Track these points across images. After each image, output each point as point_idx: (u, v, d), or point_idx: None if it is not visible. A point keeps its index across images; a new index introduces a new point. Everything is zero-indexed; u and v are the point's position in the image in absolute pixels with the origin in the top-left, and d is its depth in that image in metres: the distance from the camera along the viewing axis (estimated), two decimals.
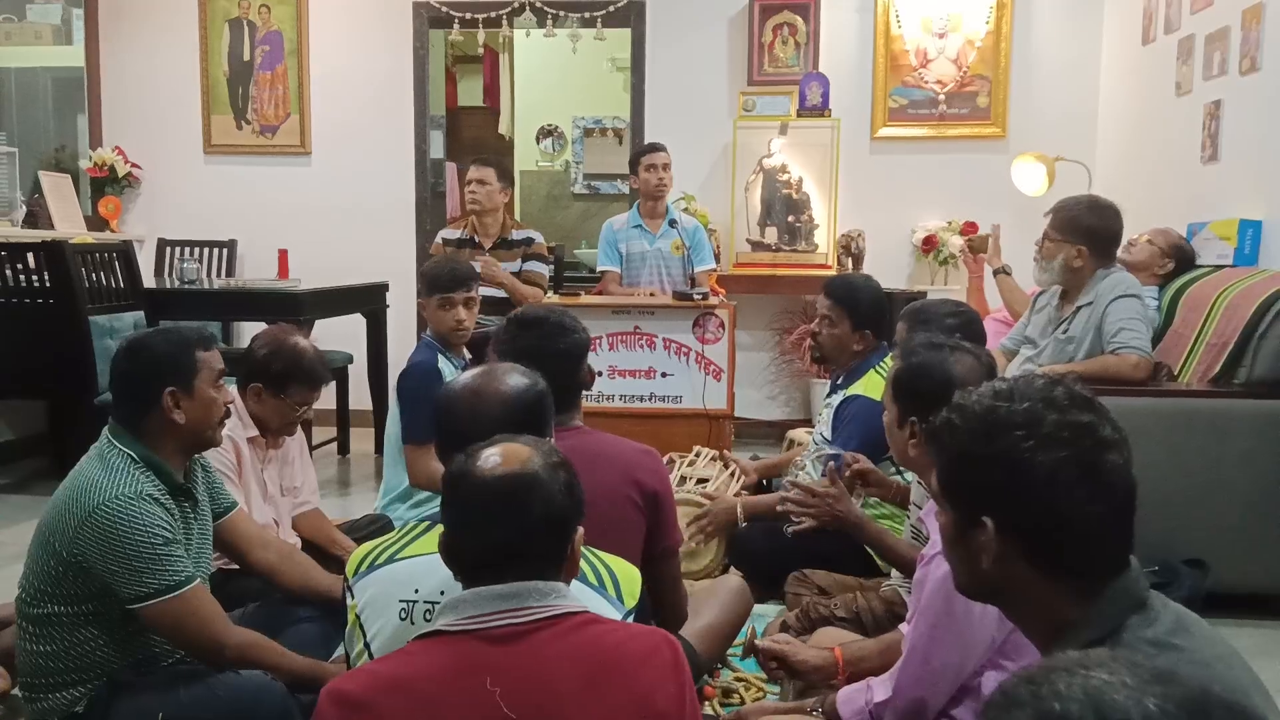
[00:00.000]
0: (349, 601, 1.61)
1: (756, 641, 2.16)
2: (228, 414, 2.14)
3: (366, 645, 1.56)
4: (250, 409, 2.62)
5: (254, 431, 2.63)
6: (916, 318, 2.64)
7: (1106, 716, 0.63)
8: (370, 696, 1.24)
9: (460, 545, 1.33)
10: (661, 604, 2.12)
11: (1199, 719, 0.63)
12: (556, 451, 1.38)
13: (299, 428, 2.76)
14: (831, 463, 2.58)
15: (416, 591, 1.54)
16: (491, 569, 1.29)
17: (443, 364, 3.23)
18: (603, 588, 1.57)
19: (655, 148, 4.76)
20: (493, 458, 1.33)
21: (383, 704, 1.23)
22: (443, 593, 1.49)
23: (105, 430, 2.03)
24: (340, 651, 2.33)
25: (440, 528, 1.44)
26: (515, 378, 1.73)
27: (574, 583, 1.50)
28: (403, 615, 1.54)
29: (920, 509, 2.18)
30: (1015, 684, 0.69)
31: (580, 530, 1.37)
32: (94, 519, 1.87)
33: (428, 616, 1.50)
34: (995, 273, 4.21)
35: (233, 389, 2.54)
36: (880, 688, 1.77)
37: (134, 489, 1.91)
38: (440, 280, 3.27)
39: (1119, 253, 3.53)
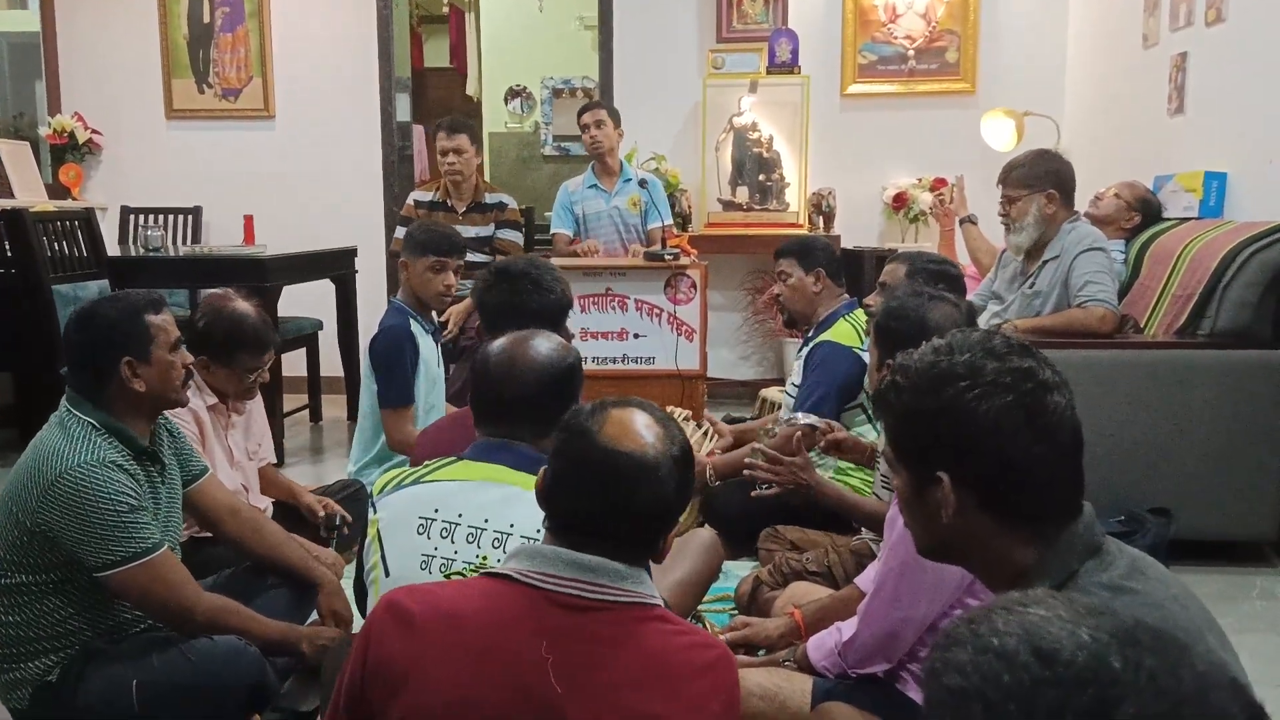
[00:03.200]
0: (371, 515, 1.66)
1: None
2: (190, 374, 2.12)
3: (383, 557, 1.61)
4: (205, 379, 2.59)
5: (214, 399, 2.61)
6: (911, 260, 2.68)
7: (1040, 647, 0.66)
8: (423, 619, 1.23)
9: (557, 498, 1.29)
10: None
11: (1127, 646, 0.65)
12: (680, 439, 1.32)
13: (259, 390, 2.74)
14: (798, 430, 2.58)
15: (436, 511, 1.59)
16: (579, 534, 1.26)
17: (415, 328, 3.20)
18: None
19: (587, 106, 4.70)
20: (618, 427, 1.27)
21: (430, 629, 1.22)
22: (460, 515, 1.57)
23: (64, 399, 2.00)
24: (314, 616, 2.35)
25: (464, 462, 1.61)
26: (549, 346, 1.73)
27: None
28: (420, 530, 1.58)
29: None
30: (957, 625, 0.72)
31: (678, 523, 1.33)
32: (57, 487, 1.86)
33: (444, 534, 1.56)
34: (961, 221, 4.23)
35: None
36: (849, 628, 1.80)
37: (97, 456, 1.90)
38: (436, 243, 3.21)
39: (1086, 207, 3.55)
